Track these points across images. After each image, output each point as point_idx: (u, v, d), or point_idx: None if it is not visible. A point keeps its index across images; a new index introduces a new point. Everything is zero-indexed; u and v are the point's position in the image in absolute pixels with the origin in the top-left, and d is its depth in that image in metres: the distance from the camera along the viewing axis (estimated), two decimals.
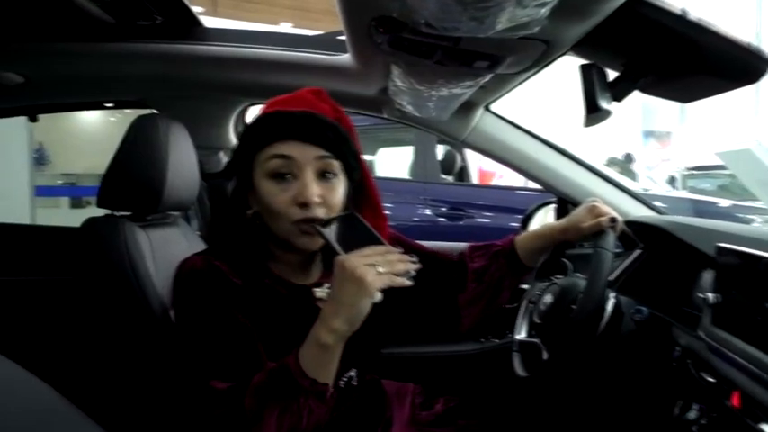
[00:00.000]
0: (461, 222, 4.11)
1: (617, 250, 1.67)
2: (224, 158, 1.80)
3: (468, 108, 1.71)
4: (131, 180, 1.38)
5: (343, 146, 1.06)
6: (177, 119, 1.48)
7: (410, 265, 0.92)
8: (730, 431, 0.96)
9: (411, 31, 1.00)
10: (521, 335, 1.47)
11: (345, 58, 1.46)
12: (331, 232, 0.98)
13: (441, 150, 4.30)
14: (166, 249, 1.43)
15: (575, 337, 1.26)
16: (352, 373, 1.14)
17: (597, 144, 8.47)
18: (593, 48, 1.13)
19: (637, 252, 1.59)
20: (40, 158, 6.33)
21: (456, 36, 0.97)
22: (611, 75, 1.12)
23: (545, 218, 2.07)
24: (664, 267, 1.43)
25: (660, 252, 1.48)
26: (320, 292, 1.11)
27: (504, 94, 1.65)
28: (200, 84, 1.65)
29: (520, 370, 1.41)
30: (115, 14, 1.54)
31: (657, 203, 1.86)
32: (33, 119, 1.83)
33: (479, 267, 1.33)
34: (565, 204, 1.86)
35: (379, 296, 0.89)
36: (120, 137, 1.34)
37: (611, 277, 1.57)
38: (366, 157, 5.27)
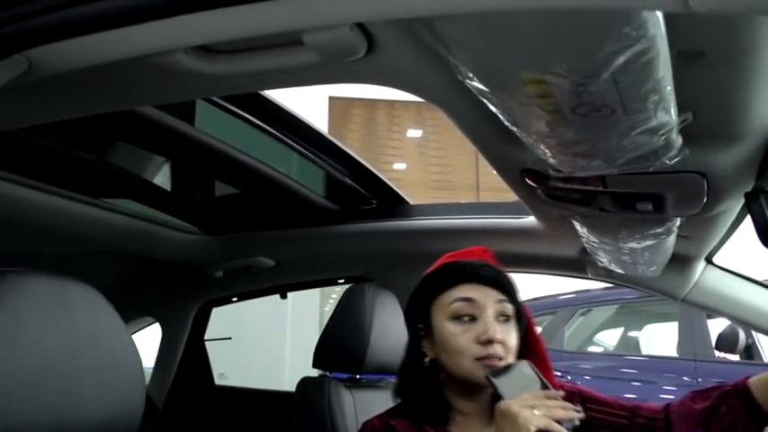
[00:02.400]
0: None
1: None
2: None
3: (684, 262, 1.57)
4: (337, 343, 1.53)
5: (515, 292, 1.12)
6: (391, 288, 1.64)
7: (572, 413, 0.93)
8: None
9: (556, 180, 1.03)
10: None
11: (531, 219, 1.50)
12: (501, 381, 1.00)
13: (713, 325, 3.83)
14: (371, 410, 1.51)
15: None
16: None
17: None
18: None
19: None
20: None
21: (595, 177, 0.96)
22: None
23: None
24: None
25: None
26: None
27: (721, 244, 1.49)
28: (410, 255, 1.81)
29: None
30: (339, 203, 1.83)
31: None
32: (284, 296, 2.16)
33: (705, 408, 1.13)
34: None
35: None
36: None
37: None
38: (632, 334, 4.91)
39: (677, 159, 0.86)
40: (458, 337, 1.06)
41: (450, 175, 9.32)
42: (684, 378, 3.78)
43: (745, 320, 1.54)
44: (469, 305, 1.08)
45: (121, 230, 1.81)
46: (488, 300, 1.08)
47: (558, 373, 4.20)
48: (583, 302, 4.53)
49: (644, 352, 4.64)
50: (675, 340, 4.11)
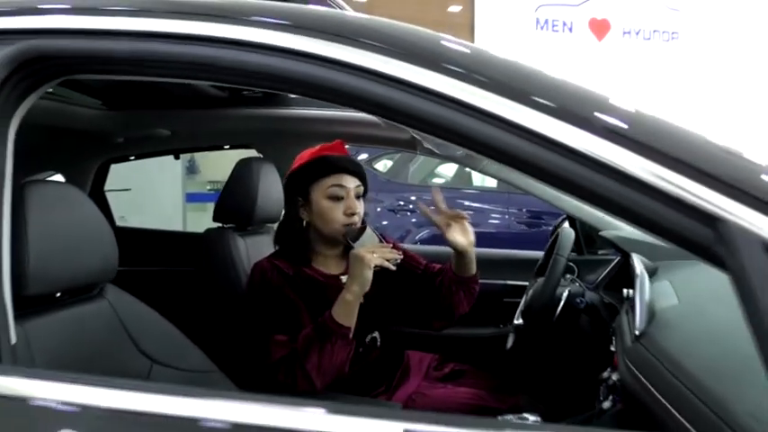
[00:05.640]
0: (541, 229, 4.49)
1: (611, 256, 2.10)
2: None
3: None
4: (233, 202, 2.01)
5: (366, 177, 1.66)
6: (271, 157, 2.13)
7: (396, 256, 1.47)
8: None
9: None
10: (517, 320, 1.98)
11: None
12: (353, 238, 1.54)
13: None
14: (259, 251, 2.01)
15: (534, 321, 1.80)
16: (375, 335, 1.67)
17: None
18: None
19: (618, 258, 2.01)
20: (191, 168, 6.93)
21: None
22: None
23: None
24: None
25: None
26: (345, 278, 1.61)
27: None
28: (285, 133, 2.30)
29: (509, 344, 1.91)
30: (226, 91, 2.24)
31: None
32: (177, 157, 2.60)
33: (440, 281, 1.71)
34: (572, 219, 2.26)
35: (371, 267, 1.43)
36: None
37: (599, 278, 2.02)
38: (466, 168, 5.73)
39: None
40: (332, 211, 1.58)
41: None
42: (499, 207, 4.71)
43: (520, 187, 2.24)
44: (341, 189, 1.58)
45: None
46: (351, 185, 1.58)
47: (402, 203, 4.92)
48: None
49: (475, 184, 5.49)
50: None
